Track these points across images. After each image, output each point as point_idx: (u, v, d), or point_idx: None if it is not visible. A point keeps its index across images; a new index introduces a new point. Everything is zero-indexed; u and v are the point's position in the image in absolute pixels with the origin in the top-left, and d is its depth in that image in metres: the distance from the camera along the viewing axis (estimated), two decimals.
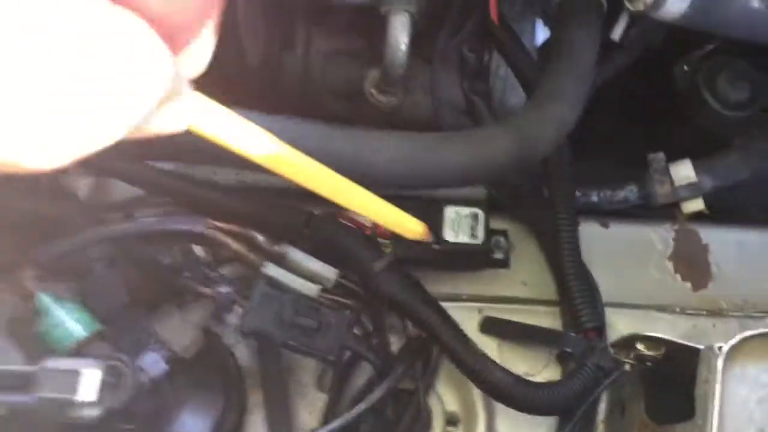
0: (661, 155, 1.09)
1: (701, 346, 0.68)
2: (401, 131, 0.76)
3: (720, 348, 0.64)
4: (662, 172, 1.08)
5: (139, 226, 0.78)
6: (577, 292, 0.90)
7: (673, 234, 1.04)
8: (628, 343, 0.78)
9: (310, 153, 0.70)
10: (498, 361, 0.84)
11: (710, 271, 1.01)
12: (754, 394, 0.64)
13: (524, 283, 0.99)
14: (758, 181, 1.04)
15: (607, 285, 0.95)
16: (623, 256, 1.01)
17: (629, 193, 1.10)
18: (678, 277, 1.01)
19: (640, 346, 0.75)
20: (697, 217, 1.06)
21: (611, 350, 0.86)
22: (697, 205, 1.07)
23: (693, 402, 0.68)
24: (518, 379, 0.83)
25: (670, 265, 1.02)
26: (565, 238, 0.91)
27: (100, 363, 0.65)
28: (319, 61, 1.06)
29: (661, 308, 0.96)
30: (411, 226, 0.61)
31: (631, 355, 0.78)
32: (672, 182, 1.07)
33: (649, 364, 0.77)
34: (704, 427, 0.64)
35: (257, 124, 0.70)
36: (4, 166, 0.28)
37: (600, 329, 0.89)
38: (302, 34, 1.05)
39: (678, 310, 0.97)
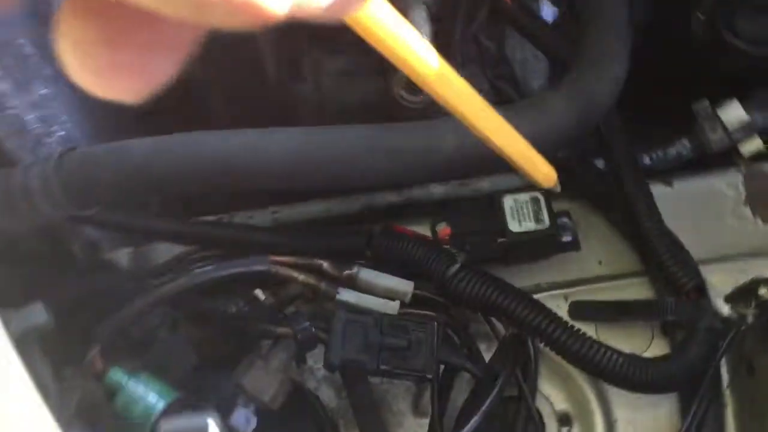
0: (705, 102, 1.03)
1: None
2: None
3: None
4: (711, 119, 1.03)
5: (196, 279, 0.72)
6: (666, 254, 0.83)
7: (740, 178, 0.98)
8: (745, 292, 0.72)
9: (372, 155, 0.64)
10: None
11: None
12: None
13: (599, 261, 0.93)
14: None
15: (688, 244, 0.88)
16: (696, 211, 0.95)
17: (681, 147, 1.04)
18: (758, 220, 0.95)
19: (763, 291, 0.68)
20: (758, 157, 1.00)
21: (724, 307, 0.79)
22: (755, 144, 1.02)
23: None
24: (631, 357, 0.77)
25: (746, 210, 0.96)
26: (641, 202, 0.85)
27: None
28: (331, 84, 1.02)
29: (753, 254, 0.90)
30: (545, 170, 0.55)
31: (752, 305, 0.71)
32: (724, 126, 1.02)
33: None
34: None
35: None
36: None
37: (701, 287, 0.82)
38: (309, 61, 1.01)
39: None
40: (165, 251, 0.84)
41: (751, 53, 1.09)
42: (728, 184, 0.98)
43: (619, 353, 0.77)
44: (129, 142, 0.63)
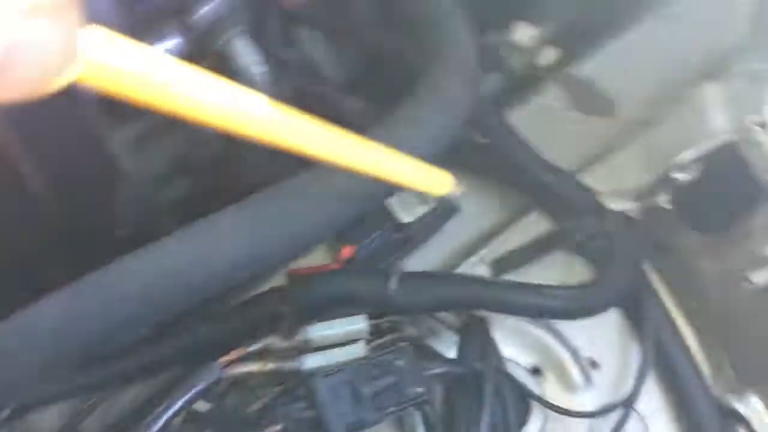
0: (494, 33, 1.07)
1: None
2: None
3: None
4: (506, 45, 1.07)
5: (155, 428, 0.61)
6: (555, 180, 0.86)
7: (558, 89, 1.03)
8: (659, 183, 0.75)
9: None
10: None
11: None
12: None
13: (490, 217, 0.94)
14: None
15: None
16: (540, 132, 0.98)
17: (494, 83, 1.08)
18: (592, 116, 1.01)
19: (677, 175, 0.72)
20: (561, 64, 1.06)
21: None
22: (553, 54, 1.08)
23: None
24: (573, 289, 0.78)
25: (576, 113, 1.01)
26: (515, 144, 0.87)
27: None
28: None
29: (610, 147, 0.95)
30: (438, 179, 0.50)
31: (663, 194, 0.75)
32: (520, 48, 1.06)
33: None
34: None
35: None
36: None
37: (597, 202, 0.86)
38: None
39: None
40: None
41: None
42: (553, 97, 1.02)
43: (564, 289, 0.78)
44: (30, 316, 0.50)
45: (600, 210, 0.85)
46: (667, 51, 1.05)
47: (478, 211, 0.94)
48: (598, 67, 1.06)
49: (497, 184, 0.95)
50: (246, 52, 0.76)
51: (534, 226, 0.90)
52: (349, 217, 0.59)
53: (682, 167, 0.71)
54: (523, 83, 1.09)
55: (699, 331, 0.83)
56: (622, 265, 0.80)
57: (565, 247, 0.88)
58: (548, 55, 1.09)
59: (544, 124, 1.00)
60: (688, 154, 0.71)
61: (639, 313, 0.82)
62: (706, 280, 0.79)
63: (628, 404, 0.78)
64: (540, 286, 0.77)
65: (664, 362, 0.81)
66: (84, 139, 0.69)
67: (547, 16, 1.09)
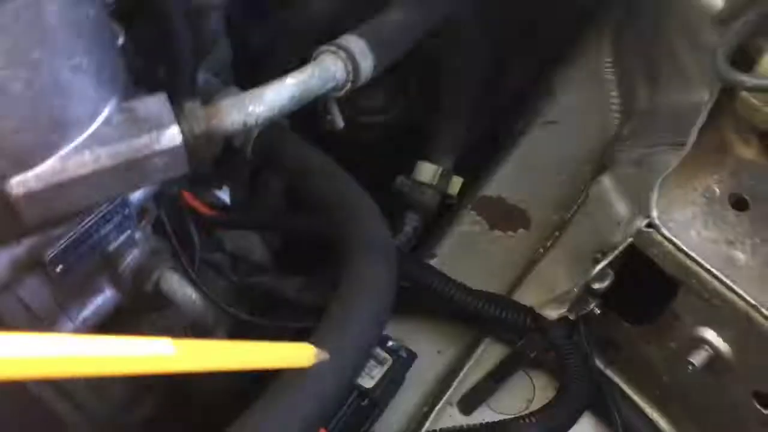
0: (400, 177, 1.14)
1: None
2: None
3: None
4: (414, 187, 1.14)
5: None
6: (491, 307, 0.91)
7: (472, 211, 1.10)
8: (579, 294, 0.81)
9: None
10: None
11: None
12: None
13: (438, 351, 0.97)
14: None
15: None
16: (466, 258, 1.04)
17: (412, 221, 1.14)
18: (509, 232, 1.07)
19: (597, 285, 0.77)
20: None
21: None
22: (457, 182, 1.15)
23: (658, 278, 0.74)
24: (541, 413, 0.82)
25: (497, 231, 1.07)
26: (447, 286, 0.92)
27: None
28: None
29: (531, 260, 1.01)
30: (299, 354, 0.50)
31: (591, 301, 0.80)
32: (429, 185, 1.14)
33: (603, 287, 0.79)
34: None
35: None
36: None
37: (535, 314, 0.91)
38: None
39: None
40: None
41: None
42: (471, 222, 1.09)
43: (525, 420, 0.81)
44: None
45: (541, 322, 0.90)
46: (556, 154, 1.13)
47: (431, 353, 0.98)
48: (503, 183, 1.13)
49: (444, 321, 1.00)
50: (179, 285, 0.80)
51: (489, 354, 0.94)
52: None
53: (599, 277, 0.77)
54: (439, 215, 1.16)
55: (666, 414, 0.88)
56: (578, 373, 0.84)
57: (523, 366, 0.92)
58: (455, 185, 1.17)
59: (467, 251, 1.06)
60: (600, 266, 0.76)
61: (606, 410, 0.86)
62: (656, 365, 0.84)
63: None
64: (514, 423, 0.80)
65: None
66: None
67: (443, 151, 1.18)
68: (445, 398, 0.92)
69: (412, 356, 0.97)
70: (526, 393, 0.92)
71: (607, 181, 1.05)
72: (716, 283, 0.70)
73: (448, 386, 0.93)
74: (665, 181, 0.73)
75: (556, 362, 0.88)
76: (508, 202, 1.11)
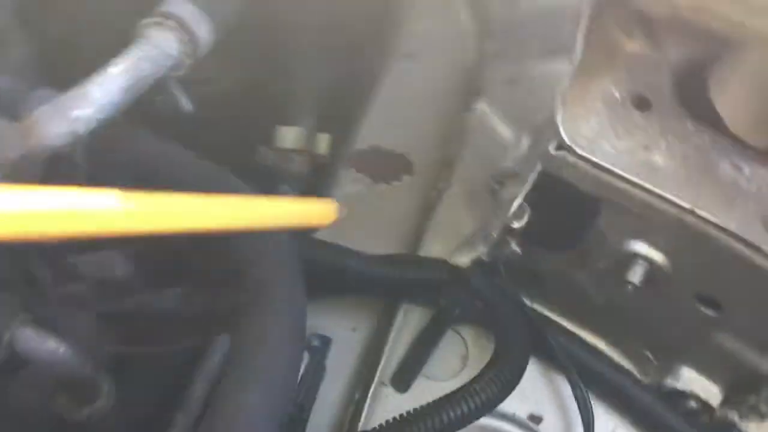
0: None
1: None
2: None
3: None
4: None
5: None
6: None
7: None
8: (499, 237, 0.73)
9: None
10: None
11: None
12: None
13: (353, 329, 0.89)
14: None
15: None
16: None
17: None
18: None
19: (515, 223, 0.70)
20: None
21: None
22: None
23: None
24: (488, 375, 0.75)
25: None
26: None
27: None
28: None
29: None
30: (319, 210, 0.50)
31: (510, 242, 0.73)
32: None
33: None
34: None
35: None
36: None
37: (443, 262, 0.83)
38: None
39: None
40: None
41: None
42: (351, 181, 0.99)
43: (476, 385, 0.74)
44: None
45: (458, 273, 0.83)
46: (421, 88, 1.05)
47: (346, 332, 0.89)
48: (374, 131, 1.04)
49: (352, 295, 0.91)
50: (37, 341, 0.66)
51: (410, 320, 0.86)
52: None
53: (517, 215, 0.70)
54: (315, 180, 1.06)
55: (606, 336, 0.83)
56: (512, 320, 0.78)
57: (450, 324, 0.85)
58: (322, 143, 1.06)
59: (355, 213, 0.97)
60: (516, 203, 0.69)
61: (548, 349, 0.80)
62: (586, 290, 0.79)
63: None
64: (463, 391, 0.73)
65: (592, 378, 0.80)
66: None
67: (301, 110, 1.07)
68: (376, 379, 0.83)
69: (327, 341, 0.88)
70: (458, 350, 0.85)
71: (483, 107, 0.98)
72: (642, 194, 0.64)
73: (376, 365, 0.84)
74: (561, 96, 0.66)
75: (485, 312, 0.82)
76: (384, 149, 1.02)
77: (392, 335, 0.86)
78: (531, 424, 0.81)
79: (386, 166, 1.01)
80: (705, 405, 0.78)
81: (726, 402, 0.78)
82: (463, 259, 0.88)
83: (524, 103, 0.94)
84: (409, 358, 0.84)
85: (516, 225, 0.70)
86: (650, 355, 0.81)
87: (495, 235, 0.73)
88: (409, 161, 1.01)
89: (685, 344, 0.77)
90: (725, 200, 0.63)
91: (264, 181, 1.09)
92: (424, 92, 1.05)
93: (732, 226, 0.62)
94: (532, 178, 0.69)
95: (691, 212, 0.62)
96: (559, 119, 0.65)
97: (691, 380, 0.79)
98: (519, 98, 0.95)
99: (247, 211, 0.44)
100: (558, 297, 0.84)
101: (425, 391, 0.82)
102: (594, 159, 0.64)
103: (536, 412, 0.82)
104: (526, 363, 0.76)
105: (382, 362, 0.85)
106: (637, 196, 0.65)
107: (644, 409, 0.80)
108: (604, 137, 0.66)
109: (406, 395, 0.82)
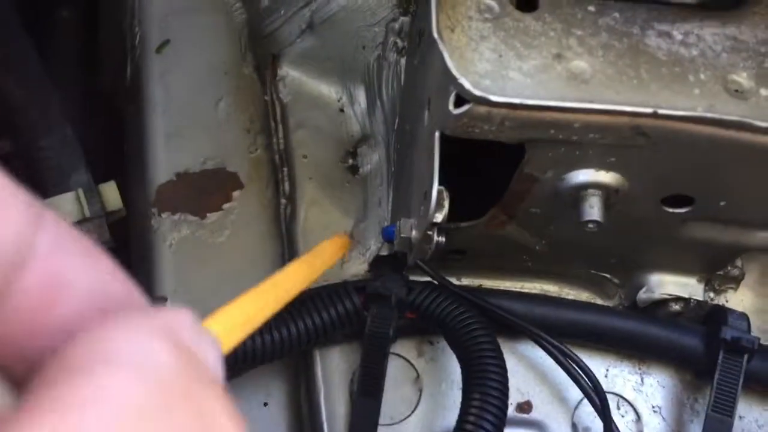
0: None
1: None
2: None
3: None
4: None
5: None
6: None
7: None
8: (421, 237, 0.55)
9: None
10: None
11: None
12: None
13: None
14: None
15: None
16: None
17: None
18: None
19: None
20: None
21: None
22: None
23: None
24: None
25: None
26: None
27: None
28: None
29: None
30: (333, 249, 0.56)
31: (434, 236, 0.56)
32: None
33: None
34: None
35: None
36: None
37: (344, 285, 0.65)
38: None
39: None
40: None
41: None
42: (171, 227, 0.76)
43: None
44: None
45: (371, 291, 0.65)
46: (194, 80, 0.81)
47: (258, 411, 0.69)
48: (166, 154, 0.80)
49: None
50: None
51: (333, 368, 0.67)
52: None
53: (438, 207, 0.52)
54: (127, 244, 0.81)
55: (554, 280, 0.70)
56: (463, 319, 0.61)
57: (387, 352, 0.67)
58: (109, 196, 0.81)
59: (195, 261, 0.75)
60: (434, 192, 0.51)
61: (498, 321, 0.65)
62: (518, 242, 0.64)
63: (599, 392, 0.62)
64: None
65: (563, 329, 0.67)
66: None
67: (60, 171, 0.80)
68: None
69: None
70: (406, 374, 0.68)
71: (292, 72, 0.77)
72: (582, 117, 0.49)
73: None
74: (437, 29, 0.48)
75: (422, 320, 0.64)
76: (193, 173, 0.79)
77: (321, 394, 0.67)
78: (524, 417, 0.67)
79: (205, 190, 0.78)
80: (687, 301, 0.68)
81: (706, 287, 0.68)
82: (358, 266, 0.70)
83: (334, 44, 0.75)
84: (357, 414, 0.65)
85: (439, 218, 0.52)
86: (610, 277, 0.69)
87: (417, 237, 0.55)
88: (231, 173, 0.79)
89: (649, 252, 0.65)
90: (675, 81, 0.50)
91: None
92: (197, 84, 0.82)
93: (699, 109, 0.49)
94: (435, 151, 0.51)
95: (653, 115, 0.48)
96: (451, 64, 0.47)
97: (665, 284, 0.68)
98: (334, 47, 0.75)
99: (284, 290, 0.44)
100: (486, 261, 0.68)
101: None
102: (512, 100, 0.47)
103: (521, 399, 0.68)
104: (498, 349, 0.60)
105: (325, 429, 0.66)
106: (577, 121, 0.49)
107: (628, 335, 0.68)
108: (505, 65, 0.49)
109: None
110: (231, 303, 0.36)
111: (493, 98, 0.47)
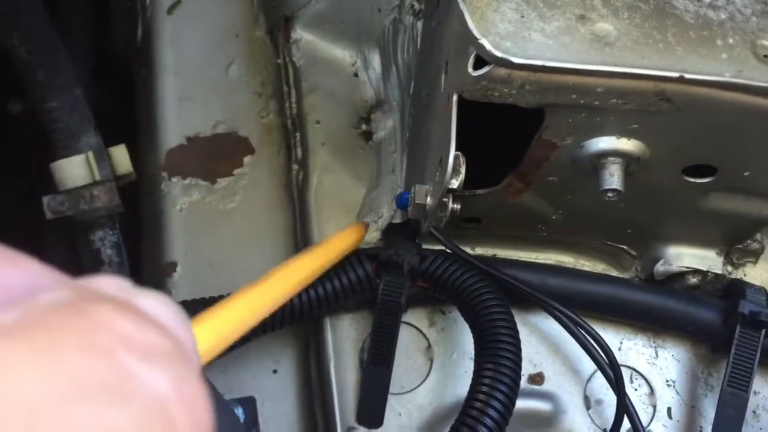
0: None
1: None
2: None
3: None
4: None
5: None
6: None
7: None
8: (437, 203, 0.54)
9: None
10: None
11: None
12: None
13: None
14: None
15: None
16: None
17: None
18: None
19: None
20: None
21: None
22: None
23: None
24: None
25: None
26: None
27: None
28: None
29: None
30: (351, 236, 0.54)
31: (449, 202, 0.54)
32: None
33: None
34: None
35: None
36: None
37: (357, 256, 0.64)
38: None
39: None
40: None
41: None
42: (181, 191, 0.75)
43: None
44: None
45: (385, 259, 0.64)
46: (204, 44, 0.80)
47: (267, 378, 0.69)
48: (175, 117, 0.79)
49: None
50: None
51: (344, 335, 0.67)
52: None
53: (455, 172, 0.50)
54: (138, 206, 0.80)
55: (568, 250, 0.69)
56: (477, 289, 0.60)
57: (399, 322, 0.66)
58: (119, 159, 0.80)
59: (206, 226, 0.74)
60: (451, 156, 0.50)
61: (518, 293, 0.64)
62: (536, 210, 0.63)
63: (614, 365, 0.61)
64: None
65: (576, 300, 0.66)
66: None
67: (72, 130, 0.79)
68: (338, 422, 0.64)
69: (250, 404, 0.67)
70: (417, 344, 0.67)
71: (303, 35, 0.75)
72: (606, 81, 0.47)
73: (329, 408, 0.65)
74: None
75: (435, 288, 0.63)
76: (203, 136, 0.78)
77: (332, 362, 0.66)
78: (536, 388, 0.67)
79: (215, 155, 0.77)
80: (705, 275, 0.67)
81: (725, 261, 0.67)
82: (371, 234, 0.68)
83: (349, 6, 0.73)
84: (367, 382, 0.65)
85: (455, 184, 0.51)
86: (626, 249, 0.68)
87: (432, 204, 0.54)
88: (242, 137, 0.78)
89: (667, 223, 0.64)
90: (702, 45, 0.48)
91: (71, 235, 0.82)
92: (210, 47, 0.80)
93: (727, 75, 0.47)
94: (452, 115, 0.49)
95: (679, 79, 0.46)
96: (472, 24, 0.45)
97: (683, 256, 0.66)
98: (341, 5, 0.73)
99: (298, 276, 0.43)
100: (500, 230, 0.67)
101: (404, 411, 0.65)
102: (534, 62, 0.46)
103: (533, 370, 0.67)
104: (514, 322, 0.59)
105: (336, 401, 0.65)
106: (600, 85, 0.47)
107: (645, 307, 0.67)
108: (527, 26, 0.47)
109: (385, 428, 0.64)
110: (234, 297, 0.35)
111: (515, 60, 0.45)
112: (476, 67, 0.47)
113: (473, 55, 0.47)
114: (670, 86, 0.47)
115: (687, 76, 0.46)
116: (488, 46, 0.45)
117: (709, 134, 0.52)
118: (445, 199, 0.54)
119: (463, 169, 0.51)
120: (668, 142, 0.52)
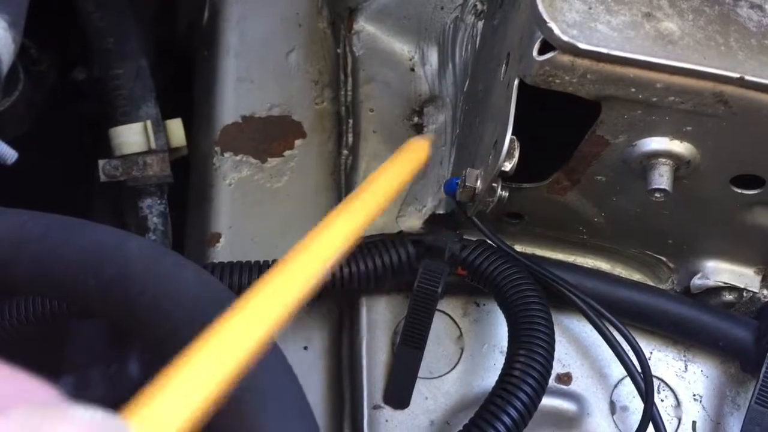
0: None
1: None
2: None
3: None
4: None
5: None
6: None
7: None
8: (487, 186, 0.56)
9: None
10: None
11: None
12: None
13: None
14: None
15: None
16: None
17: None
18: None
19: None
20: None
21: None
22: None
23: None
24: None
25: None
26: None
27: None
28: None
29: None
30: (413, 156, 0.45)
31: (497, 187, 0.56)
32: None
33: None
34: None
35: None
36: None
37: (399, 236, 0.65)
38: None
39: None
40: None
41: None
42: (232, 167, 0.77)
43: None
44: None
45: (424, 244, 0.65)
46: (268, 31, 0.83)
47: (296, 354, 0.70)
48: (232, 97, 0.81)
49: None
50: None
51: (378, 318, 0.68)
52: None
53: (509, 155, 0.52)
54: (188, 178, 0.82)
55: (608, 255, 0.69)
56: (515, 284, 0.61)
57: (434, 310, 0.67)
58: (174, 132, 0.82)
59: (254, 207, 0.76)
60: (507, 139, 0.51)
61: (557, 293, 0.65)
62: (580, 210, 0.64)
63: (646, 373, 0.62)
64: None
65: (611, 306, 0.66)
66: None
67: (134, 98, 0.82)
68: (365, 403, 0.65)
69: None
70: (449, 332, 0.68)
71: (366, 27, 0.78)
72: (666, 77, 0.49)
73: (357, 385, 0.66)
74: None
75: (473, 277, 0.65)
76: (258, 117, 0.80)
77: (364, 341, 0.67)
78: (563, 388, 0.67)
79: (268, 135, 0.80)
80: (741, 292, 0.67)
81: (763, 281, 0.68)
82: (413, 222, 0.70)
83: (413, 2, 0.76)
84: (398, 363, 0.66)
85: (508, 167, 0.52)
86: (665, 260, 0.69)
87: (482, 187, 0.55)
88: (295, 121, 0.80)
89: (708, 236, 0.65)
90: (763, 53, 0.49)
91: (120, 201, 0.85)
92: (271, 35, 0.83)
93: None
94: (512, 98, 0.51)
95: (739, 81, 0.48)
96: (542, 8, 0.47)
97: (721, 271, 0.67)
98: (405, 0, 0.76)
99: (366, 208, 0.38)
100: (541, 230, 0.68)
101: (431, 395, 0.66)
102: (598, 49, 0.47)
103: (561, 370, 0.68)
104: (551, 320, 0.60)
105: (365, 379, 0.66)
106: (659, 81, 0.49)
107: (679, 319, 0.67)
108: (594, 17, 0.49)
109: (410, 409, 0.65)
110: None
111: (581, 45, 0.47)
112: (541, 52, 0.49)
113: (539, 40, 0.48)
114: (729, 88, 0.49)
115: (747, 77, 0.48)
116: (556, 29, 0.47)
117: (761, 143, 0.53)
118: (494, 184, 0.55)
119: (516, 153, 0.52)
120: (720, 148, 0.54)
